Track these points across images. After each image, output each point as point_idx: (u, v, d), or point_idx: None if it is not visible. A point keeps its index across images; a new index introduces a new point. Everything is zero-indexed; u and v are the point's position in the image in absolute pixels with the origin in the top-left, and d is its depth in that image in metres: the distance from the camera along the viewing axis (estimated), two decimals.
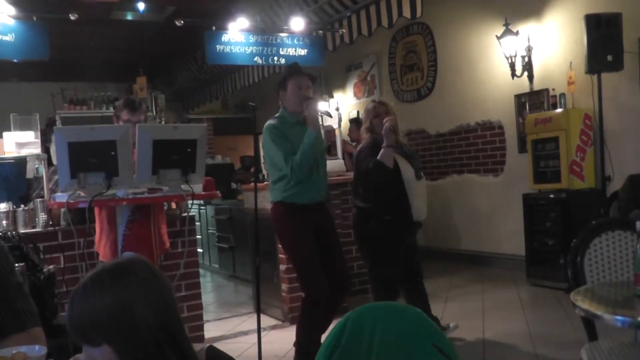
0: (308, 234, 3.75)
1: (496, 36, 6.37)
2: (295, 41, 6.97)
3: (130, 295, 1.22)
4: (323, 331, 3.77)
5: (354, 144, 6.84)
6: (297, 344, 3.85)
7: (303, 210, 3.74)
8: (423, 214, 4.03)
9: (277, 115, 3.84)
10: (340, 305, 3.95)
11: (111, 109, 6.93)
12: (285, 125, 3.74)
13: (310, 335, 3.79)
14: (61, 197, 3.24)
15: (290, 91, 3.76)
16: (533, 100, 6.32)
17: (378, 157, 3.80)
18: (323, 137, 4.17)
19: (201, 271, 5.63)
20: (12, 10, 5.54)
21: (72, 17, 5.74)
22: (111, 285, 1.23)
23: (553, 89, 6.00)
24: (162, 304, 1.26)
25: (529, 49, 6.27)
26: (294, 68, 3.96)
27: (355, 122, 7.19)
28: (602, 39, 5.07)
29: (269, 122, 3.78)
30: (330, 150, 6.58)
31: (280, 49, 6.85)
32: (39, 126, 4.75)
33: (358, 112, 9.16)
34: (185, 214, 4.29)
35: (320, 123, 4.11)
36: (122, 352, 1.21)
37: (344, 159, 6.19)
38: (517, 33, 6.27)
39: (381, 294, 3.93)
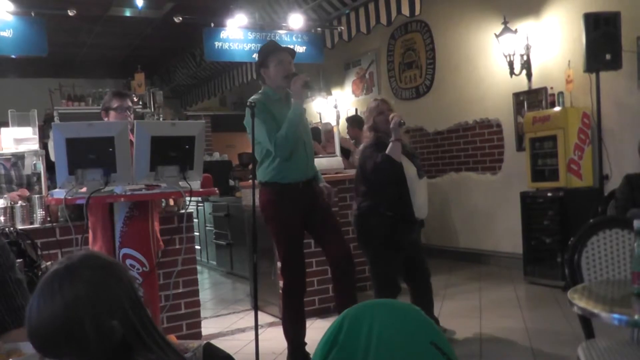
0: (295, 220, 3.77)
1: (495, 34, 6.37)
2: (293, 38, 6.97)
3: (80, 301, 1.19)
4: (338, 314, 3.84)
5: (352, 141, 6.82)
6: (287, 340, 3.90)
7: (290, 191, 3.74)
8: (425, 212, 4.02)
9: (260, 91, 3.82)
10: (352, 286, 3.84)
11: None
12: (267, 100, 3.72)
13: (295, 325, 3.86)
14: (59, 193, 3.24)
15: (272, 68, 3.75)
16: (531, 99, 6.32)
17: (387, 151, 3.79)
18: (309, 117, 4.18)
19: (199, 268, 5.62)
20: (10, 6, 5.53)
21: (70, 13, 5.74)
22: (61, 291, 1.19)
23: (551, 88, 6.00)
24: (117, 302, 1.23)
25: (528, 48, 6.27)
26: (272, 45, 3.96)
27: (349, 121, 7.15)
28: (601, 37, 5.08)
29: (253, 97, 3.73)
30: (328, 147, 6.58)
31: None
32: (36, 122, 4.75)
33: (356, 110, 9.16)
34: (183, 211, 4.30)
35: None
36: None
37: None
38: (515, 31, 6.27)
39: (382, 292, 3.94)
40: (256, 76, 3.97)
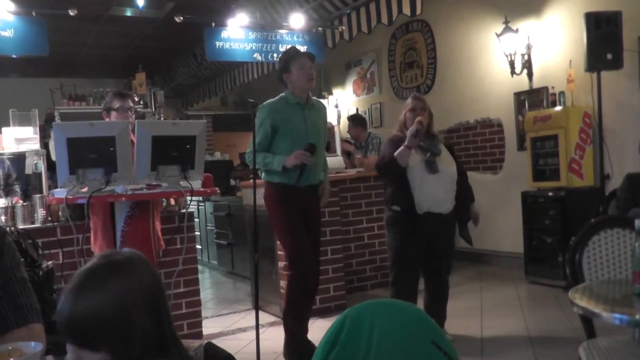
0: (299, 216, 3.91)
1: (496, 34, 6.36)
2: (294, 38, 6.98)
3: (130, 297, 1.20)
4: (307, 318, 4.00)
5: (352, 141, 6.82)
6: (287, 333, 3.92)
7: (295, 192, 3.86)
8: (435, 207, 3.93)
9: (281, 94, 3.97)
10: (313, 296, 4.18)
11: None
12: (283, 104, 3.89)
13: (297, 318, 3.92)
14: (60, 192, 3.24)
15: (294, 72, 3.88)
16: (532, 98, 6.32)
17: (395, 154, 3.85)
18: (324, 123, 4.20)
19: (200, 268, 5.63)
20: (11, 5, 5.54)
21: (71, 13, 5.75)
22: (112, 284, 1.19)
23: (552, 87, 6.00)
24: (156, 304, 1.25)
25: (529, 47, 6.26)
26: (294, 51, 4.11)
27: (352, 119, 7.15)
28: (602, 37, 5.08)
29: (267, 101, 3.93)
30: (329, 147, 6.57)
31: (280, 45, 6.86)
32: (37, 122, 4.76)
33: (357, 110, 9.16)
34: (184, 210, 4.30)
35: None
36: (116, 357, 1.19)
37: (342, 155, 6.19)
38: (516, 31, 6.26)
39: (396, 289, 3.99)
40: (280, 81, 4.05)
